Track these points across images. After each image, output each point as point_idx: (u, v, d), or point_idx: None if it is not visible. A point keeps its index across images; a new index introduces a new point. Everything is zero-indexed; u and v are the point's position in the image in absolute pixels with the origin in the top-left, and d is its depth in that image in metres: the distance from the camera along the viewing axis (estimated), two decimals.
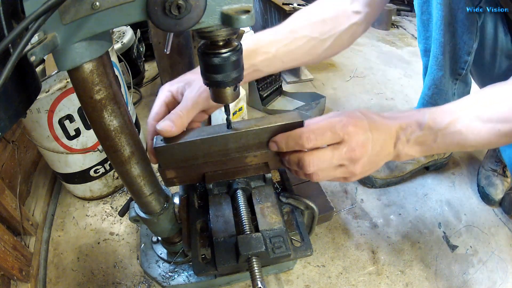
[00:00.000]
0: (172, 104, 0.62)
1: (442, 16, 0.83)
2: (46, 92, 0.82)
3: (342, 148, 0.54)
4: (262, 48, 0.69)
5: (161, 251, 0.87)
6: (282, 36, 0.71)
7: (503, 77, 0.64)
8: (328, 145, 0.55)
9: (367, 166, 0.56)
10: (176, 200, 0.78)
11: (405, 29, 2.45)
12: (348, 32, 0.78)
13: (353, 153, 0.54)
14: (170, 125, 0.56)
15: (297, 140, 0.55)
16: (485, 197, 1.10)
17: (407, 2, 2.75)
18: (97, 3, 0.34)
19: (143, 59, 1.75)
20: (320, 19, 0.75)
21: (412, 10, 2.72)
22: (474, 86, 1.05)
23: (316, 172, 0.56)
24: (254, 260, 0.59)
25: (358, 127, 0.54)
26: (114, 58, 1.06)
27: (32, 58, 0.32)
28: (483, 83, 1.02)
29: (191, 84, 0.62)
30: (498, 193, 1.07)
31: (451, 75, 0.95)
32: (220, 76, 0.46)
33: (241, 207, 0.67)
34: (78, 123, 0.93)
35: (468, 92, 1.04)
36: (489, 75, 0.97)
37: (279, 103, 1.57)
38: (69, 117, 0.90)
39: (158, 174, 0.66)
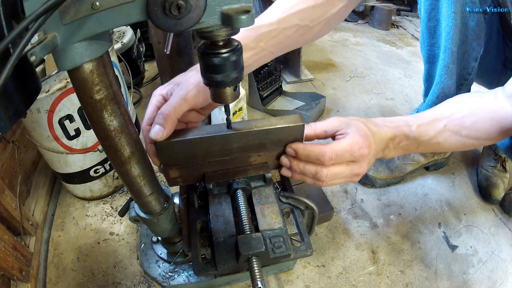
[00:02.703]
0: None
1: (454, 25, 0.82)
2: (46, 92, 0.82)
3: (354, 166, 0.61)
4: (250, 43, 0.68)
5: (161, 251, 0.87)
6: (270, 28, 0.69)
7: (498, 73, 0.69)
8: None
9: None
10: (176, 200, 0.78)
11: (405, 29, 2.45)
12: (336, 15, 0.78)
13: (361, 169, 0.62)
14: (161, 130, 0.56)
15: (319, 157, 0.60)
16: (488, 198, 1.10)
17: (407, 2, 2.75)
18: (97, 3, 0.34)
19: (143, 59, 1.75)
20: (310, 5, 0.72)
21: (412, 10, 2.72)
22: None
23: (327, 182, 0.62)
24: (254, 260, 0.59)
25: (369, 148, 0.61)
26: (114, 58, 1.06)
27: (32, 58, 0.32)
28: (482, 79, 1.03)
29: (179, 84, 0.62)
30: (500, 192, 1.08)
31: (458, 82, 0.95)
32: (220, 76, 0.46)
33: (241, 207, 0.67)
34: (78, 123, 0.93)
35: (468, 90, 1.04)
36: (485, 72, 0.97)
37: (279, 103, 1.57)
38: (69, 117, 0.90)
39: (158, 174, 0.66)
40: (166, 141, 0.59)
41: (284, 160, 0.66)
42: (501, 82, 0.68)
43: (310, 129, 0.65)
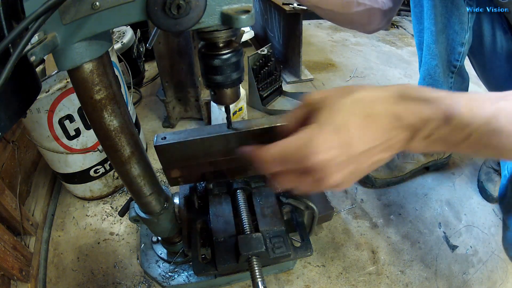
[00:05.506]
0: None
1: (433, 6, 0.85)
2: (46, 92, 0.82)
3: (309, 177, 0.41)
4: None
5: (161, 251, 0.87)
6: None
7: (508, 78, 0.62)
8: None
9: (354, 179, 0.43)
10: (176, 200, 0.78)
11: (405, 29, 2.45)
12: (375, 11, 0.84)
13: (326, 182, 0.40)
14: None
15: (260, 164, 0.44)
16: (483, 192, 1.10)
17: (407, 2, 2.75)
18: (97, 3, 0.34)
19: (143, 59, 1.75)
20: None
21: None
22: (471, 85, 1.05)
23: (289, 189, 0.46)
24: (254, 260, 0.59)
25: (331, 151, 0.38)
26: (114, 58, 1.06)
27: (32, 58, 0.32)
28: (489, 84, 1.02)
29: None
30: (496, 189, 1.07)
31: (447, 67, 0.96)
32: (220, 78, 0.46)
33: (241, 207, 0.67)
34: (78, 123, 0.93)
35: (466, 88, 1.04)
36: (493, 76, 0.97)
37: (279, 103, 1.57)
38: (69, 117, 0.90)
39: (158, 174, 0.66)
40: (166, 143, 0.59)
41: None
42: None
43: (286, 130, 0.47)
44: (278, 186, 0.46)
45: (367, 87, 0.42)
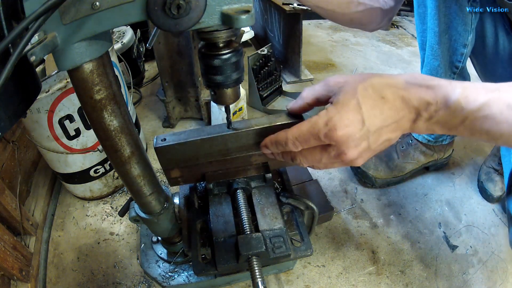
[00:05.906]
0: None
1: (436, 6, 0.84)
2: (46, 92, 0.82)
3: (331, 151, 0.49)
4: None
5: (161, 251, 0.87)
6: None
7: (510, 79, 0.62)
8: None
9: (367, 156, 0.51)
10: (176, 200, 0.78)
11: (405, 29, 2.45)
12: (375, 11, 0.86)
13: (344, 155, 0.48)
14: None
15: (284, 146, 0.52)
16: (484, 192, 1.09)
17: (407, 2, 2.75)
18: (97, 3, 0.34)
19: (143, 59, 1.75)
20: None
21: (412, 10, 2.72)
22: None
23: (313, 166, 0.53)
24: (254, 260, 0.59)
25: (349, 128, 0.46)
26: (114, 58, 1.06)
27: (32, 58, 0.32)
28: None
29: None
30: (496, 189, 1.07)
31: (449, 68, 0.96)
32: (220, 78, 0.46)
33: (241, 207, 0.67)
34: (78, 123, 0.93)
35: None
36: (494, 76, 0.97)
37: (279, 103, 1.57)
38: (69, 117, 0.90)
39: (158, 174, 0.66)
40: (166, 145, 0.59)
41: (265, 151, 0.59)
42: None
43: (301, 99, 0.56)
44: (301, 164, 0.53)
45: (380, 74, 0.48)
